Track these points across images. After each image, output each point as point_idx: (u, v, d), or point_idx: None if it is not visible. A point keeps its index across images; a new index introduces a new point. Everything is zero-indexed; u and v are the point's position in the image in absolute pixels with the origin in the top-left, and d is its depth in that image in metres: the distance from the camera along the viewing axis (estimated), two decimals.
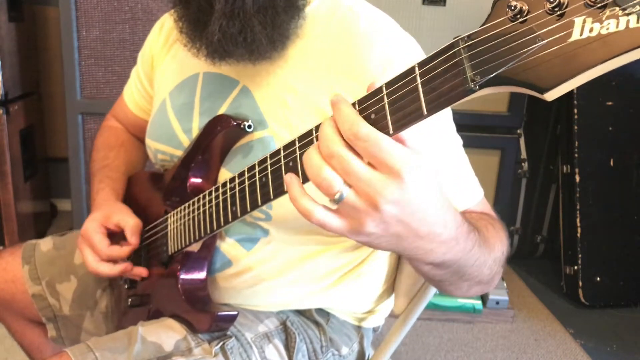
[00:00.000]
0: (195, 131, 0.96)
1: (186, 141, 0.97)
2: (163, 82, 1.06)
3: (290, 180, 0.59)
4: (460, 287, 0.76)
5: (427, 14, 2.20)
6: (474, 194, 0.87)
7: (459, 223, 0.62)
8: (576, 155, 2.34)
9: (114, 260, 1.00)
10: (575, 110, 2.34)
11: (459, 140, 0.89)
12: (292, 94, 0.87)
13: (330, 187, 0.55)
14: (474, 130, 2.33)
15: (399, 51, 0.84)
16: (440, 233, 0.59)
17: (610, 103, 2.35)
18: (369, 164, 0.54)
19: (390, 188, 0.53)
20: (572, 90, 2.33)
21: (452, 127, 0.89)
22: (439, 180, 0.56)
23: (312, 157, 0.56)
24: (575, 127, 2.34)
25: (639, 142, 2.38)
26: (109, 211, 1.02)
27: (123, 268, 0.98)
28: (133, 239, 0.99)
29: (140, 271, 1.01)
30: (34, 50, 2.57)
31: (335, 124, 0.55)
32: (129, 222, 1.00)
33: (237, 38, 0.83)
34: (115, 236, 1.02)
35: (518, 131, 2.43)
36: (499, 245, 0.77)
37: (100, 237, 0.99)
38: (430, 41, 2.11)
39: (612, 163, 2.36)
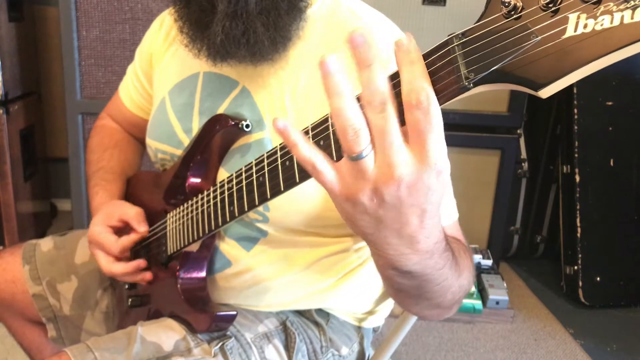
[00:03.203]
0: (195, 131, 0.96)
1: (186, 140, 0.97)
2: (162, 81, 1.06)
3: (283, 126, 0.53)
4: (418, 304, 0.72)
5: (427, 14, 2.20)
6: (450, 214, 0.86)
7: (439, 238, 0.59)
8: (576, 155, 2.34)
9: (126, 259, 1.00)
10: (575, 110, 2.33)
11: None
12: (291, 96, 0.87)
13: (356, 142, 0.49)
14: (474, 130, 2.33)
15: None
16: (420, 241, 0.56)
17: (610, 103, 2.35)
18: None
19: (412, 170, 0.49)
20: (572, 90, 2.34)
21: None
22: (443, 193, 0.53)
23: (349, 105, 0.49)
24: (575, 127, 2.34)
25: (639, 142, 2.38)
26: (108, 210, 1.02)
27: (136, 264, 0.99)
28: (140, 227, 1.00)
29: (145, 275, 1.01)
30: (34, 50, 2.57)
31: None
32: (130, 213, 1.01)
33: (239, 40, 0.83)
34: (122, 232, 1.02)
35: (518, 131, 2.43)
36: (466, 272, 0.73)
37: (107, 235, 0.99)
38: (430, 41, 2.11)
39: (612, 163, 2.36)
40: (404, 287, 0.66)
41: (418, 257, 0.58)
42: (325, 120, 0.59)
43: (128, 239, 0.99)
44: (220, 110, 0.93)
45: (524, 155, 2.55)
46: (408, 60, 0.48)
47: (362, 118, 0.49)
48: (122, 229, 1.02)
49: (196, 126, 0.96)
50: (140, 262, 0.99)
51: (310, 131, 0.61)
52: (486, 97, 2.24)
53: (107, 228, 1.00)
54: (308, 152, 0.53)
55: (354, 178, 0.52)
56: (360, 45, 0.47)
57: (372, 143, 0.50)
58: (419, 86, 0.47)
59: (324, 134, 0.59)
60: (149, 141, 1.05)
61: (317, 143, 0.59)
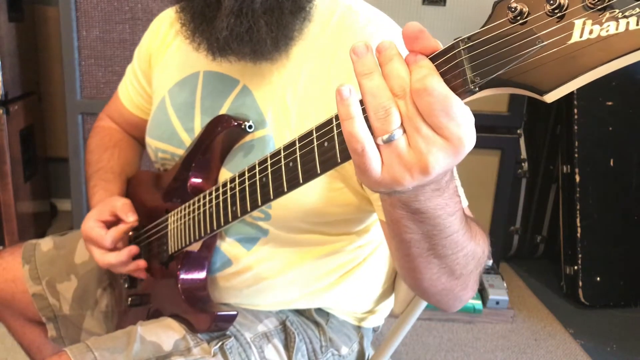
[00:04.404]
0: (197, 130, 0.96)
1: (187, 140, 0.97)
2: (162, 80, 1.06)
3: (348, 94, 0.52)
4: (429, 267, 0.69)
5: (427, 14, 2.20)
6: (462, 199, 0.86)
7: (450, 177, 0.59)
8: (576, 155, 2.34)
9: (118, 249, 1.01)
10: (575, 110, 2.33)
11: None
12: (291, 94, 0.87)
13: (386, 122, 0.50)
14: None
15: None
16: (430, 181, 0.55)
17: (610, 103, 2.35)
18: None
19: (446, 153, 0.50)
20: (572, 91, 2.34)
21: None
22: None
23: (379, 85, 0.51)
24: (575, 127, 2.34)
25: (639, 142, 2.38)
26: (100, 206, 1.03)
27: (128, 252, 0.99)
28: (128, 218, 1.01)
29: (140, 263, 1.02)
30: (34, 50, 2.57)
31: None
32: (117, 205, 1.02)
33: (243, 37, 0.83)
34: (115, 225, 1.02)
35: (518, 131, 2.42)
36: (481, 241, 0.72)
37: (98, 229, 1.00)
38: None
39: (612, 163, 2.36)
40: (413, 237, 0.65)
41: (427, 194, 0.58)
42: (330, 121, 0.59)
43: (117, 230, 1.00)
44: (223, 109, 0.93)
45: (524, 155, 2.55)
46: (417, 64, 0.50)
47: (392, 99, 0.51)
48: (115, 223, 1.02)
49: (198, 125, 0.96)
50: (132, 248, 1.00)
51: (314, 132, 0.61)
52: (486, 97, 2.25)
53: (98, 223, 1.01)
54: (363, 130, 0.52)
55: (392, 166, 0.52)
56: (383, 49, 0.51)
57: (402, 127, 0.51)
58: (422, 75, 0.49)
59: (328, 135, 0.59)
60: (149, 140, 1.05)
61: (321, 144, 0.60)
